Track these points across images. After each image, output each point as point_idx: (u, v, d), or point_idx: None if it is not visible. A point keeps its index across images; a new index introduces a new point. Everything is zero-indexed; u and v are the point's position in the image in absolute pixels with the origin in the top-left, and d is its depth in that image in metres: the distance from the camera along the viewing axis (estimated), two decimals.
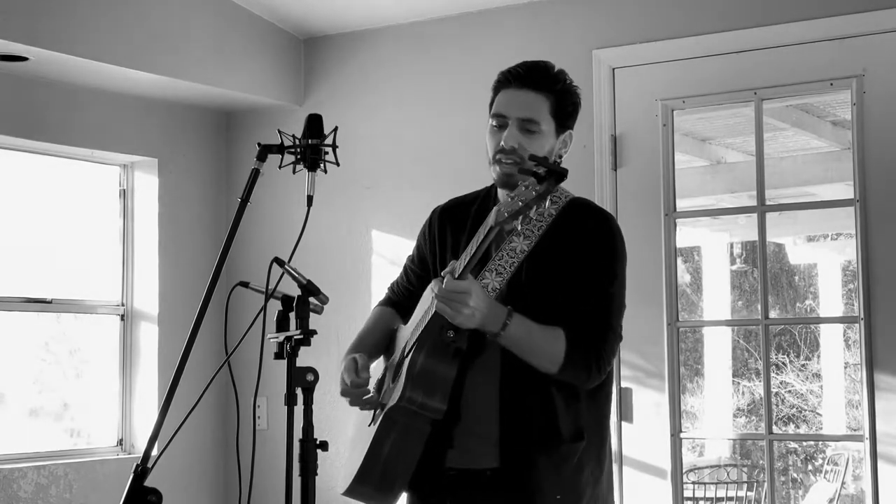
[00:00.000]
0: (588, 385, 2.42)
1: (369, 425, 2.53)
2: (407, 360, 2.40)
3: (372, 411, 2.58)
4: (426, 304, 2.48)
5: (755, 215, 4.01)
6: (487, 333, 2.33)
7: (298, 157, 2.36)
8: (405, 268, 2.78)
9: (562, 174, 2.09)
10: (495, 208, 2.14)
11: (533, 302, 2.40)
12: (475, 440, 2.43)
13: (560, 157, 2.53)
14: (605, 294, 2.43)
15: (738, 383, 11.80)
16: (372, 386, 2.63)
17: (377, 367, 2.69)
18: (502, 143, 2.44)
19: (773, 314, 9.90)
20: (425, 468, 2.44)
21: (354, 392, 2.54)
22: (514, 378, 2.40)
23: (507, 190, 2.41)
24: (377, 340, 2.69)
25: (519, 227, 2.15)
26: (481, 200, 2.62)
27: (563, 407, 2.41)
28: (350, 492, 2.48)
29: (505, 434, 2.40)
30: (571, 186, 2.70)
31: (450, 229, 2.61)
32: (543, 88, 2.47)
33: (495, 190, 2.59)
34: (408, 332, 2.55)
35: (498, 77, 2.54)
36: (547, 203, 2.37)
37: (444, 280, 2.27)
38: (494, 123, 2.50)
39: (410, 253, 2.79)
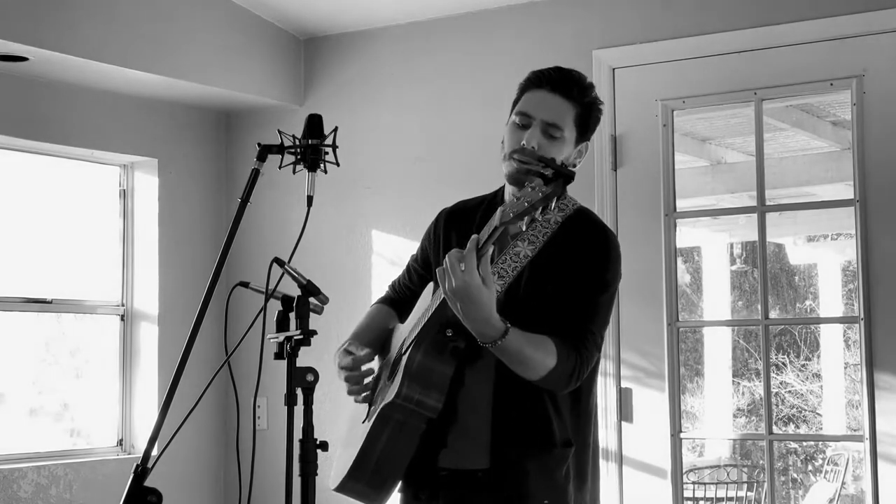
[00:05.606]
0: (562, 393, 2.41)
1: (363, 422, 2.53)
2: (404, 358, 2.40)
3: (366, 408, 2.58)
4: (426, 303, 2.49)
5: (755, 215, 4.01)
6: (479, 337, 2.27)
7: (298, 157, 2.36)
8: (408, 266, 2.78)
9: (569, 177, 2.06)
10: (500, 208, 2.11)
11: (527, 308, 2.38)
12: (467, 441, 2.43)
13: (574, 165, 2.51)
14: (593, 303, 2.41)
15: (738, 383, 11.80)
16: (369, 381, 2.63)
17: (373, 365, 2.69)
18: (523, 142, 2.42)
19: (773, 314, 9.90)
20: (418, 467, 2.45)
21: (355, 375, 2.53)
22: (507, 381, 2.38)
23: (516, 187, 2.40)
24: (373, 338, 2.69)
25: (524, 228, 2.10)
26: (487, 204, 2.61)
27: (555, 413, 2.41)
28: (341, 488, 2.48)
29: (496, 436, 2.40)
30: (572, 186, 2.70)
31: (455, 232, 2.60)
32: (573, 97, 2.47)
33: (502, 193, 2.59)
34: (405, 331, 2.55)
35: (528, 76, 2.52)
36: (554, 208, 2.35)
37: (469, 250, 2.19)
38: (518, 122, 2.48)
39: (414, 252, 2.79)
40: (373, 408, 2.51)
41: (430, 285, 2.55)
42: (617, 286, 2.50)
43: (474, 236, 2.19)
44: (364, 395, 2.57)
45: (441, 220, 2.69)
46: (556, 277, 2.41)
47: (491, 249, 2.20)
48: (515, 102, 2.52)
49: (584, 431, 2.48)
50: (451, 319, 2.32)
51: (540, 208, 2.05)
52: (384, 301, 2.80)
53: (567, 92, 2.46)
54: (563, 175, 2.05)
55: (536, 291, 2.41)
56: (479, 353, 2.39)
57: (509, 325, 2.25)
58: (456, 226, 2.63)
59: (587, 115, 2.50)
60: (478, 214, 2.58)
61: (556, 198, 2.05)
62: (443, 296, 2.26)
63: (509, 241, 2.44)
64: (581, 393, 2.45)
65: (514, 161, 2.43)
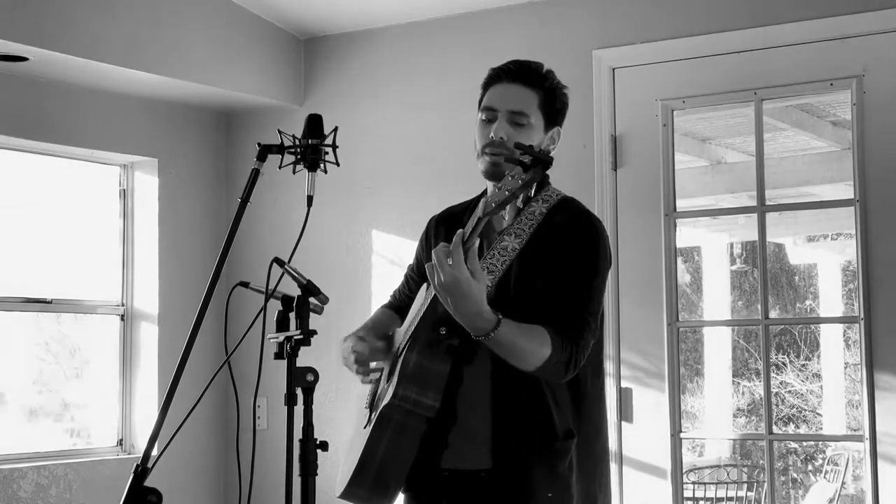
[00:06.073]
0: (561, 381, 2.40)
1: (364, 427, 2.53)
2: (400, 360, 2.41)
3: (367, 415, 2.58)
4: (418, 305, 2.49)
5: (755, 215, 4.01)
6: (472, 331, 2.27)
7: (298, 157, 2.36)
8: (406, 276, 2.83)
9: (547, 162, 2.09)
10: (482, 200, 2.15)
11: (519, 301, 2.38)
12: (467, 441, 2.43)
13: (548, 152, 2.53)
14: (585, 289, 2.41)
15: (738, 383, 11.80)
16: (368, 389, 2.63)
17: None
18: (491, 134, 2.46)
19: (773, 314, 9.90)
20: (420, 469, 2.45)
21: (365, 367, 2.56)
22: (505, 376, 2.38)
23: (495, 181, 2.43)
24: (380, 336, 2.70)
25: (506, 217, 2.12)
26: (473, 207, 2.63)
27: (555, 405, 2.40)
28: (345, 494, 2.49)
29: (496, 434, 2.40)
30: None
31: (445, 237, 2.62)
32: (533, 84, 2.51)
33: (485, 193, 2.61)
34: (401, 334, 2.56)
35: (488, 73, 2.58)
36: (539, 199, 2.35)
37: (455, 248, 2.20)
38: (484, 117, 2.53)
39: (411, 262, 2.83)
40: (373, 413, 2.51)
41: (424, 286, 2.56)
42: (607, 271, 2.50)
43: (459, 231, 2.21)
44: (369, 377, 2.59)
45: (431, 228, 2.73)
46: (546, 268, 2.41)
47: (477, 242, 2.22)
48: (480, 102, 2.57)
49: (586, 421, 2.47)
50: (443, 317, 2.33)
51: (521, 196, 2.09)
52: (388, 306, 2.83)
53: (526, 80, 2.51)
54: (542, 161, 2.08)
55: (527, 284, 2.41)
56: (475, 350, 2.39)
57: (501, 317, 2.25)
58: (444, 232, 2.65)
59: (551, 99, 2.52)
60: (464, 218, 2.61)
61: (535, 184, 2.08)
62: (434, 293, 2.27)
63: (496, 237, 2.45)
64: (580, 382, 2.45)
65: (487, 155, 2.48)
